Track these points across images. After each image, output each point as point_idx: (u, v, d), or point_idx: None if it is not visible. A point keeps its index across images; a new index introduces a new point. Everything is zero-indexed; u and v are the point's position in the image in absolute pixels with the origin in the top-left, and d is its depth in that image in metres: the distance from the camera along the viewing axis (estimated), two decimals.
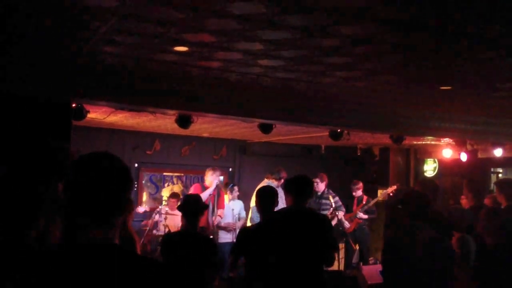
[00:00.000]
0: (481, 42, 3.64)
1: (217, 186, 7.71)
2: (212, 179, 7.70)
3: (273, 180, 7.95)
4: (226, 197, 7.96)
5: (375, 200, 8.75)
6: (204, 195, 7.17)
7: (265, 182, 7.73)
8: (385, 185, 10.23)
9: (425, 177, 8.82)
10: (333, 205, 8.12)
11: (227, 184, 8.21)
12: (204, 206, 4.50)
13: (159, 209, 8.26)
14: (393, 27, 3.35)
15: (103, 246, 1.54)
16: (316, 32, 3.47)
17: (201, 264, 4.11)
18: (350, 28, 3.37)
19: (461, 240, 4.22)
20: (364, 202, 8.70)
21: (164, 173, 10.02)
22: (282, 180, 7.76)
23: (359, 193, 8.81)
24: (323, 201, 8.39)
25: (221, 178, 10.47)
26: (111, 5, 3.03)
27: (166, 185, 9.97)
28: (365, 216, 8.60)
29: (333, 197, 8.32)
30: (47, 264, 1.50)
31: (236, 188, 8.26)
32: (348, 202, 8.77)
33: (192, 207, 4.29)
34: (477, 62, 4.22)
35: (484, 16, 3.10)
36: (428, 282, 3.62)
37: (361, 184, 8.88)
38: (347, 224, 8.53)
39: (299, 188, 4.36)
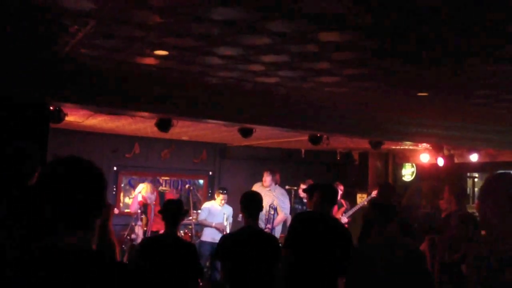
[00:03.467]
0: (458, 49, 3.71)
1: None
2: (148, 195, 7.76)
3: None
4: (218, 200, 7.89)
5: (360, 205, 8.71)
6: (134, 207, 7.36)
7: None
8: (364, 190, 10.33)
9: (383, 181, 8.75)
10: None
11: (221, 189, 8.12)
12: (185, 212, 4.48)
13: (136, 215, 8.22)
14: (372, 34, 3.39)
15: (79, 250, 1.54)
16: (296, 38, 3.50)
17: (182, 268, 4.09)
18: (330, 34, 3.40)
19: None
20: (345, 206, 8.68)
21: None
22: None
23: (339, 196, 8.80)
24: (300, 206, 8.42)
25: (201, 181, 10.45)
26: (90, 7, 3.01)
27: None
28: (348, 220, 8.60)
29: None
30: (24, 269, 1.49)
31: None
32: None
33: (173, 212, 4.28)
34: (453, 69, 4.30)
35: (461, 25, 3.16)
36: None
37: (342, 187, 8.85)
38: None
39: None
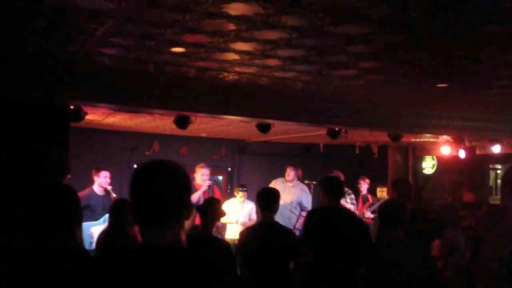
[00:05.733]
0: (478, 40, 3.65)
1: (209, 186, 7.38)
2: (202, 178, 7.38)
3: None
4: (238, 197, 7.77)
5: (381, 202, 8.61)
6: (195, 197, 7.03)
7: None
8: (384, 183, 10.24)
9: (397, 178, 8.62)
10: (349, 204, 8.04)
11: (240, 186, 8.00)
12: (223, 213, 4.48)
13: None
14: (389, 26, 3.36)
15: (174, 247, 1.63)
16: (311, 32, 3.49)
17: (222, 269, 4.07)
18: (346, 27, 3.38)
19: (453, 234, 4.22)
20: (370, 201, 8.60)
21: None
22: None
23: (365, 190, 8.67)
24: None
25: (220, 177, 10.47)
26: (107, 7, 3.04)
27: None
28: (372, 216, 8.50)
29: (349, 195, 8.23)
30: (129, 265, 1.60)
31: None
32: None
33: (211, 211, 4.29)
34: (473, 60, 4.23)
35: (480, 15, 3.11)
36: None
37: (368, 181, 8.73)
38: None
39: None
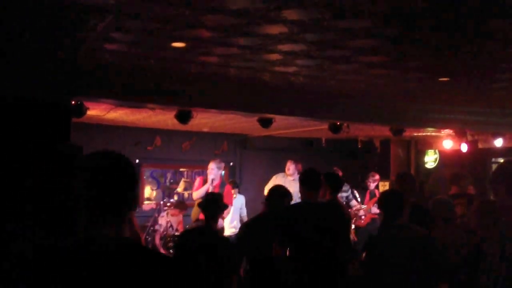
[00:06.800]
0: (479, 34, 3.63)
1: (213, 180, 7.27)
2: (208, 172, 7.33)
3: None
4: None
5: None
6: (201, 193, 7.02)
7: None
8: (387, 177, 10.23)
9: (402, 172, 8.57)
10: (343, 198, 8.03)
11: (234, 183, 8.03)
12: (225, 206, 4.51)
13: (159, 206, 8.31)
14: (389, 21, 3.35)
15: (117, 240, 1.58)
16: (312, 27, 3.47)
17: (219, 263, 4.09)
18: (347, 22, 3.37)
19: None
20: (377, 196, 8.57)
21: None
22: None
23: (373, 186, 8.67)
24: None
25: (222, 172, 10.48)
26: (107, 2, 3.04)
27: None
28: (379, 211, 8.47)
29: (345, 191, 8.22)
30: (66, 260, 1.53)
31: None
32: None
33: (212, 206, 4.31)
34: (475, 53, 4.22)
35: (482, 9, 3.09)
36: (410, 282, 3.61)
37: (378, 177, 8.73)
38: (362, 213, 8.41)
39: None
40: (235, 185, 7.75)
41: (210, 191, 6.94)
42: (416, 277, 3.58)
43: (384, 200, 3.99)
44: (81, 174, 1.62)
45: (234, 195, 7.77)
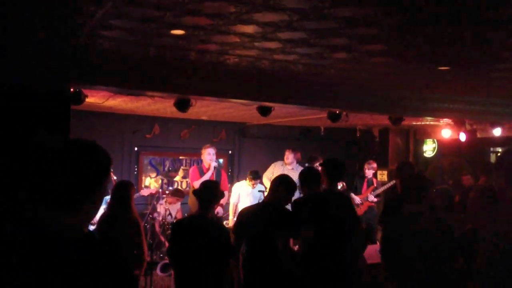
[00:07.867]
0: (480, 23, 3.62)
1: (215, 167, 7.48)
2: (209, 158, 7.45)
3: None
4: (249, 183, 7.52)
5: (385, 187, 8.60)
6: (206, 179, 7.03)
7: None
8: (385, 166, 10.26)
9: (403, 161, 8.55)
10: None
11: (255, 173, 7.87)
12: (221, 194, 4.48)
13: (158, 194, 8.33)
14: (390, 9, 3.33)
15: (70, 232, 1.53)
16: (312, 14, 3.46)
17: (213, 249, 4.08)
18: (347, 9, 3.35)
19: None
20: (375, 185, 8.61)
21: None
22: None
23: (371, 174, 8.68)
24: None
25: (221, 161, 10.48)
26: None
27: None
28: (376, 199, 8.53)
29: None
30: (17, 250, 1.49)
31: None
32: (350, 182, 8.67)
33: (208, 194, 4.28)
34: (475, 43, 4.21)
35: None
36: (429, 265, 3.73)
37: (375, 165, 8.75)
38: (358, 201, 8.44)
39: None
40: (256, 176, 7.58)
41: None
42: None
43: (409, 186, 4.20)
44: (49, 158, 1.58)
45: (255, 185, 7.57)
